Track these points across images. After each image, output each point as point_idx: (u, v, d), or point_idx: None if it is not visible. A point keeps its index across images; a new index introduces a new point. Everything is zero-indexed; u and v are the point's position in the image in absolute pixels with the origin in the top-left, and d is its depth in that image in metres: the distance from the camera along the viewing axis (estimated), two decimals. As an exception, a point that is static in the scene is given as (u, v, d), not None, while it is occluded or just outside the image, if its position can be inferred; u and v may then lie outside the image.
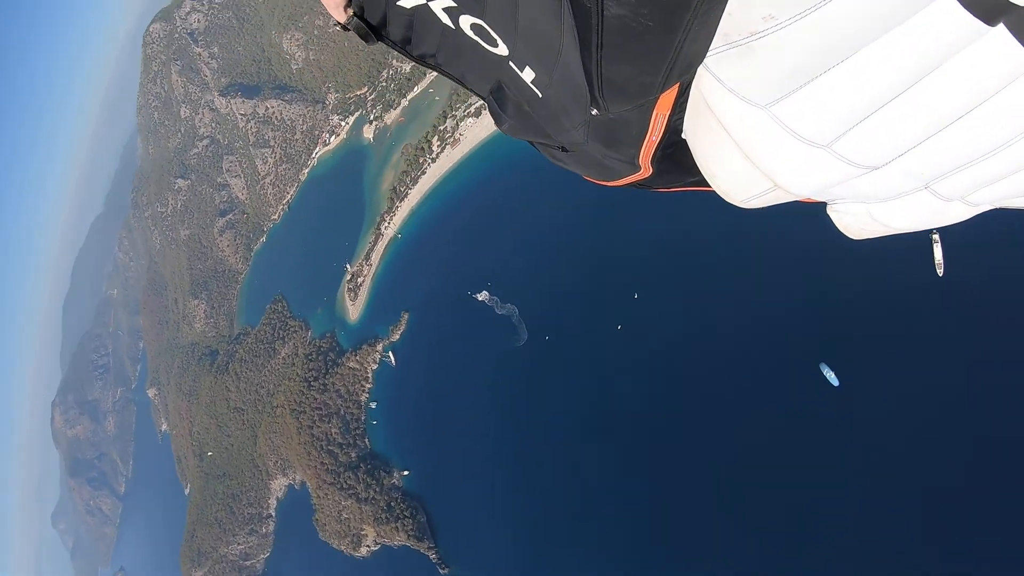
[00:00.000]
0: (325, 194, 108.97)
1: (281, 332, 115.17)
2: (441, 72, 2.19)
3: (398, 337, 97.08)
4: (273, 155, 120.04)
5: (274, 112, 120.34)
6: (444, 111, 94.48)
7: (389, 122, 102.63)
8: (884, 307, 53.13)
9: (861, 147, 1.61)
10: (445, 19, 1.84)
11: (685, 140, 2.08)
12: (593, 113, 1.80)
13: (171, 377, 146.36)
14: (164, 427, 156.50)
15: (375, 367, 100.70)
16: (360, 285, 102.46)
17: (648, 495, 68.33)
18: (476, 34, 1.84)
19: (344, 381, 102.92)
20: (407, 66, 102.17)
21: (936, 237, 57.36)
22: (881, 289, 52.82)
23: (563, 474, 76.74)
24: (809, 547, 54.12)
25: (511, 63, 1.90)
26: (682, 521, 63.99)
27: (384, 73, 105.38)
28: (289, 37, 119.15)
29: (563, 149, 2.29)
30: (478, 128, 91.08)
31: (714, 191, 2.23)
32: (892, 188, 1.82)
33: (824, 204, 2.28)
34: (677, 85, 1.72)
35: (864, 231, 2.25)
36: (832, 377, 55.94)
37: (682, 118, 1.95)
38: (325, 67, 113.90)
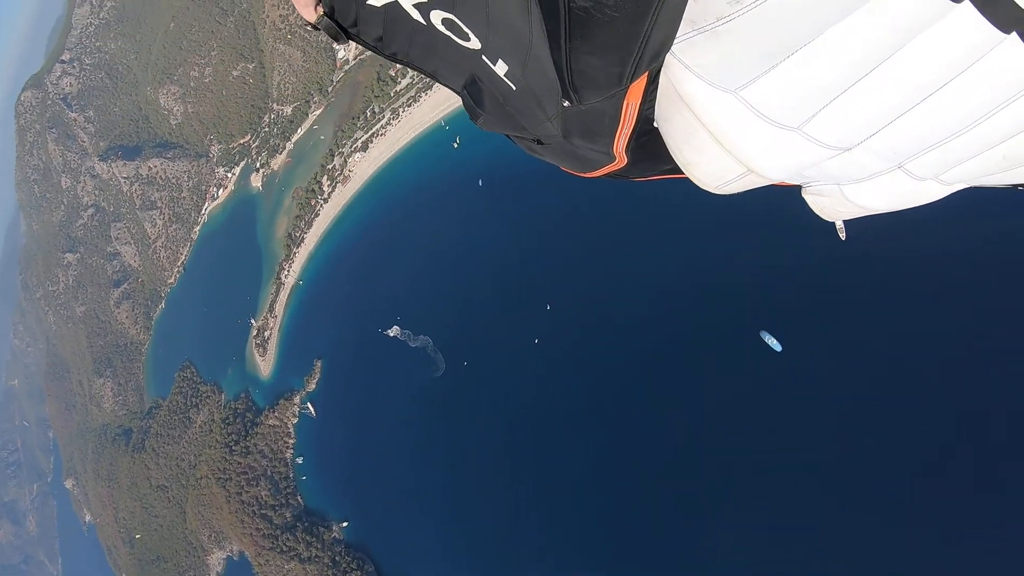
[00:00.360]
0: (220, 250, 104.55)
1: (194, 400, 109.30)
2: (414, 68, 2.21)
3: (314, 387, 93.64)
4: (162, 217, 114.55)
5: (157, 172, 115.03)
6: (331, 149, 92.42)
7: (276, 167, 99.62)
8: (802, 273, 55.86)
9: (831, 128, 1.59)
10: (416, 15, 1.86)
11: (658, 128, 2.02)
12: (565, 105, 1.84)
13: (87, 464, 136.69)
14: (88, 518, 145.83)
15: (295, 421, 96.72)
16: (268, 339, 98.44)
17: (596, 495, 68.31)
18: (448, 29, 1.87)
19: (266, 440, 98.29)
20: (288, 108, 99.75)
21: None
22: (794, 256, 55.44)
23: (502, 492, 75.71)
24: (769, 519, 55.57)
25: (484, 57, 1.92)
26: (635, 516, 64.00)
27: (266, 118, 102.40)
28: (165, 92, 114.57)
29: (539, 142, 2.30)
30: (366, 163, 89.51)
31: (688, 179, 2.16)
32: (865, 169, 1.79)
33: (799, 187, 2.23)
34: (647, 74, 1.72)
35: (839, 212, 2.19)
36: (774, 343, 56.49)
37: (653, 107, 1.92)
38: (205, 119, 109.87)
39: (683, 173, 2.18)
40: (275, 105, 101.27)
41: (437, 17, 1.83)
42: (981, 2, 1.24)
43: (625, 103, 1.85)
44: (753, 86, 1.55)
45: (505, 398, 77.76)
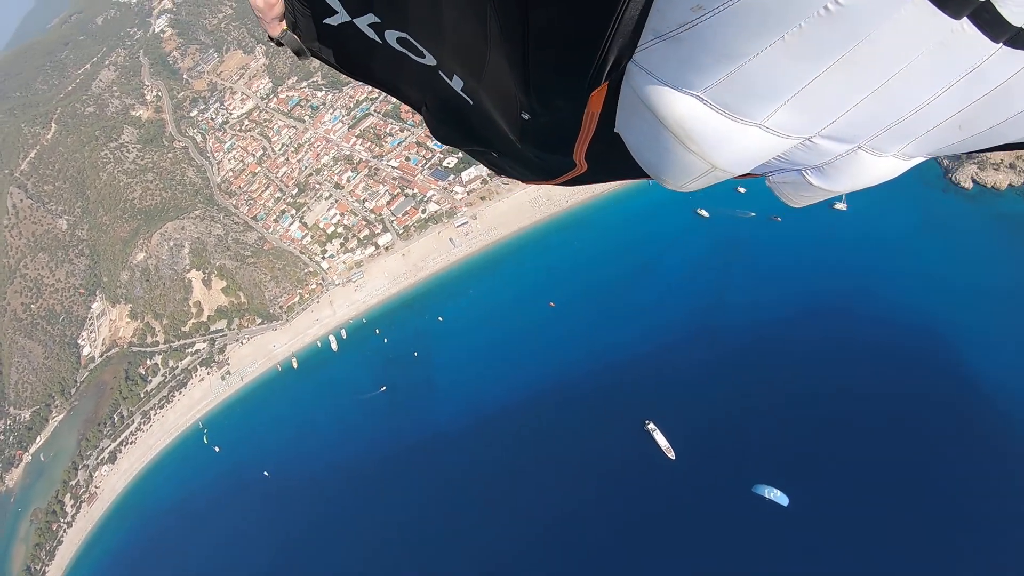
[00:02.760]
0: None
1: None
2: (374, 85, 2.39)
3: None
4: None
5: None
6: (74, 462, 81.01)
7: (12, 484, 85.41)
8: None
9: (793, 120, 1.63)
10: (372, 35, 2.01)
11: (619, 134, 1.99)
12: (525, 118, 1.91)
13: None
14: None
15: None
16: None
17: None
18: (403, 47, 2.03)
19: None
20: (26, 412, 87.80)
21: (652, 426, 57.69)
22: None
23: None
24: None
25: (440, 72, 2.10)
26: None
27: (0, 424, 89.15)
28: None
29: (499, 153, 2.42)
30: (115, 476, 78.80)
31: (647, 179, 2.20)
32: (825, 153, 1.83)
33: (761, 177, 2.23)
34: (606, 83, 1.75)
35: (804, 198, 2.20)
36: (778, 496, 50.50)
37: (614, 114, 1.92)
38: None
39: (644, 175, 2.13)
40: (11, 409, 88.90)
41: (392, 36, 1.97)
42: None
43: (586, 113, 1.87)
44: (715, 87, 1.57)
45: None
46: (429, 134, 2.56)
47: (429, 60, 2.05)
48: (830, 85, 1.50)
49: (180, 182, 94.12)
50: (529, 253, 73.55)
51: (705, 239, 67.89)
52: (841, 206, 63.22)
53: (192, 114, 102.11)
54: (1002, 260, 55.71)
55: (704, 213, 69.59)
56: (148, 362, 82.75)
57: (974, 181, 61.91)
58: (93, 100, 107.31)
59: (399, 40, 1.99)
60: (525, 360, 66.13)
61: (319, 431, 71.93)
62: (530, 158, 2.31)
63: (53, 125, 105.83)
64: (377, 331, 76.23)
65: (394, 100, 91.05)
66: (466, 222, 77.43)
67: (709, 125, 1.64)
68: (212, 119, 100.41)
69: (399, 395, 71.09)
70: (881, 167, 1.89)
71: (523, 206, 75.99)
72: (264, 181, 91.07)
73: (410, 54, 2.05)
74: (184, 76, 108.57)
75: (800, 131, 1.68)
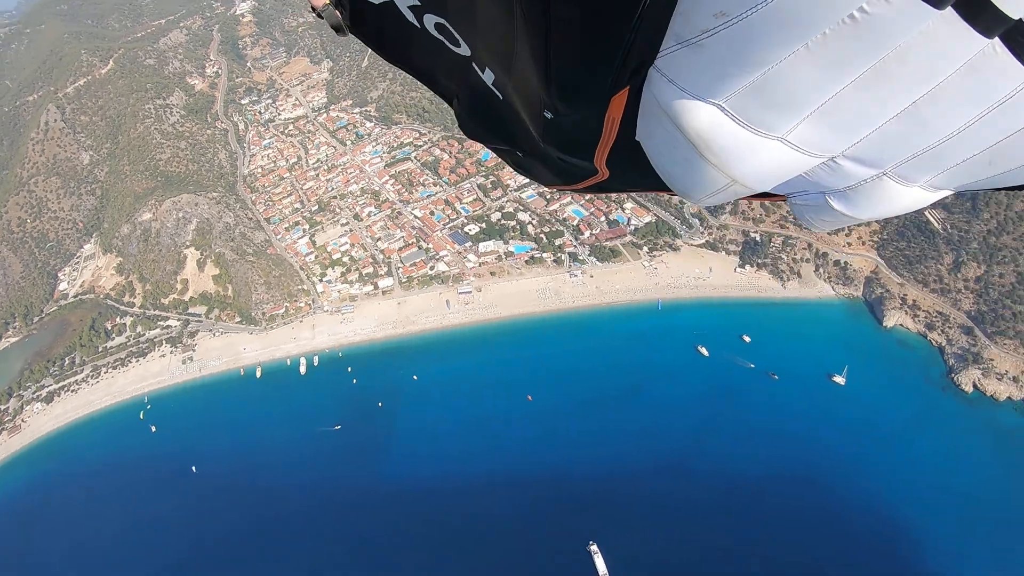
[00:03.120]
0: None
1: None
2: (409, 72, 2.44)
3: None
4: None
5: None
6: (11, 388, 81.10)
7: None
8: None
9: (816, 136, 1.59)
10: (411, 17, 2.07)
11: (640, 143, 1.97)
12: (548, 116, 1.93)
13: None
14: None
15: None
16: None
17: None
18: (440, 33, 2.08)
19: None
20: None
21: (595, 548, 57.10)
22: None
23: None
24: None
25: (473, 64, 2.15)
26: None
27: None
28: None
29: (523, 153, 2.46)
30: (45, 418, 78.89)
31: (671, 192, 2.18)
32: (850, 176, 1.78)
33: (784, 198, 2.17)
34: (628, 89, 1.75)
35: (825, 223, 2.13)
36: None
37: (635, 121, 1.90)
38: None
39: (665, 188, 2.11)
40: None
41: (430, 21, 2.03)
42: (964, 8, 1.21)
43: (607, 116, 1.88)
44: (736, 97, 1.54)
45: None
46: (460, 131, 2.78)
47: (464, 50, 2.12)
48: (854, 100, 1.46)
49: (209, 160, 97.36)
50: (522, 340, 74.68)
51: (700, 378, 68.80)
52: (840, 380, 64.24)
53: (243, 101, 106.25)
54: (984, 468, 57.18)
55: (704, 352, 70.77)
56: (118, 319, 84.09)
57: (975, 386, 62.70)
58: (156, 54, 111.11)
59: (437, 26, 2.07)
60: (488, 446, 65.80)
61: (260, 447, 70.91)
62: (553, 159, 2.34)
63: (111, 63, 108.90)
64: (349, 369, 76.68)
65: (435, 153, 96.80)
66: (470, 291, 79.82)
67: (729, 136, 1.65)
68: (260, 113, 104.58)
69: (352, 439, 70.05)
70: (907, 197, 1.86)
71: (529, 293, 78.58)
72: (288, 188, 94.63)
73: (446, 42, 2.12)
74: (248, 64, 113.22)
75: (823, 149, 1.67)
